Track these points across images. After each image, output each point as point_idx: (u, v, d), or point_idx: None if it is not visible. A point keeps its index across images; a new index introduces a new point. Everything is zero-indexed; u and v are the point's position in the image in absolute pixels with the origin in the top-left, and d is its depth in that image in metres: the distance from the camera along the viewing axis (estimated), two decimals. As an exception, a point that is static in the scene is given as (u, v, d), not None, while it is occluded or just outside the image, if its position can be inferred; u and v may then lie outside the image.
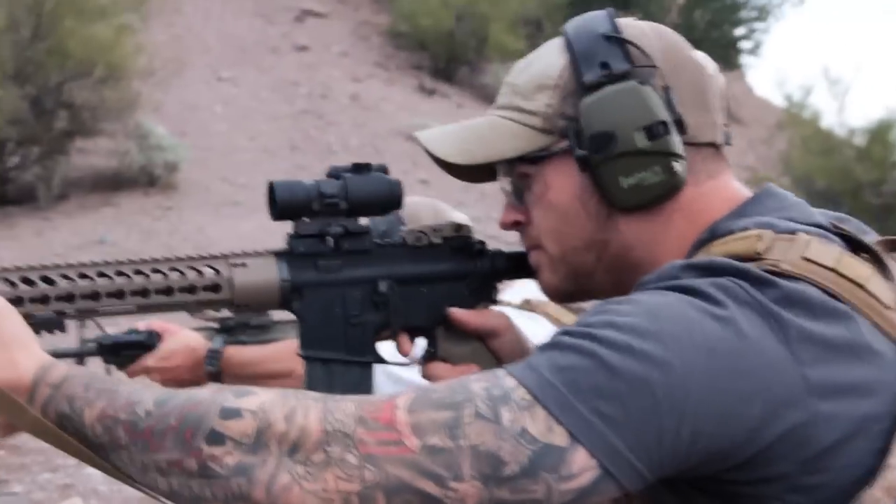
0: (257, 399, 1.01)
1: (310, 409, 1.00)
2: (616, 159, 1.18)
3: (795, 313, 1.04)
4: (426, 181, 14.26)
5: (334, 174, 1.34)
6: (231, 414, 0.99)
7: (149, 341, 2.29)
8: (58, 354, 2.29)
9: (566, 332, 1.04)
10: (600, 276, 1.26)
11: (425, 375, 1.40)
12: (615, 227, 1.22)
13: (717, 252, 1.12)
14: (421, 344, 1.41)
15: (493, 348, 1.40)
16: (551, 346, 1.04)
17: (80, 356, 2.29)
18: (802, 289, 1.06)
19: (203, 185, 12.70)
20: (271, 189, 1.28)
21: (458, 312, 1.37)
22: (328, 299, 1.31)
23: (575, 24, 1.27)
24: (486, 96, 16.88)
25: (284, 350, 2.24)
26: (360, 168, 1.34)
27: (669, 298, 1.05)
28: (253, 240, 11.53)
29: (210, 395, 1.02)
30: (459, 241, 1.39)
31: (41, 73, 11.95)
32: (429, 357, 1.40)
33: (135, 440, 1.01)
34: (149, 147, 12.37)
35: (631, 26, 1.24)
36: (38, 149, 12.49)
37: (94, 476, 5.27)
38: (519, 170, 1.27)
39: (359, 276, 1.33)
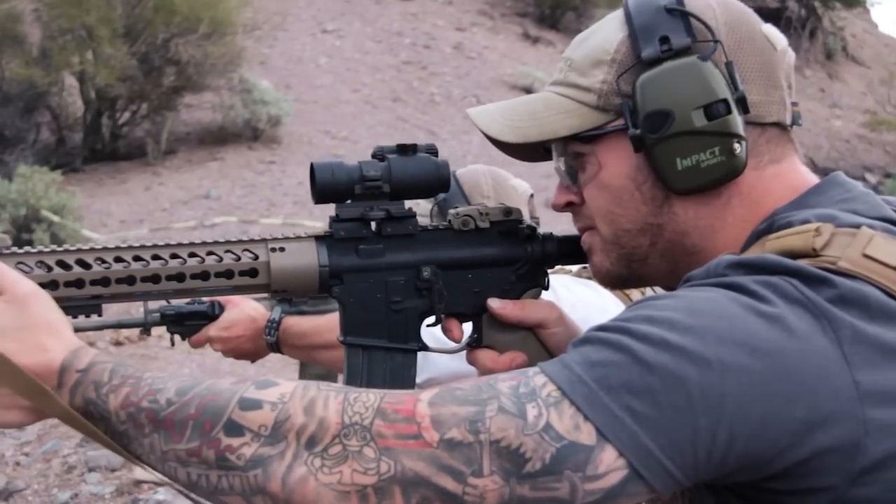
0: (278, 390, 1.00)
1: (329, 401, 0.98)
2: (672, 139, 1.11)
3: (850, 313, 0.97)
4: (529, 131, 14.15)
5: (379, 155, 1.29)
6: (250, 405, 0.98)
7: (211, 311, 2.29)
8: (123, 325, 2.38)
9: (601, 328, 0.99)
10: (654, 261, 1.19)
11: (470, 362, 1.36)
12: (671, 211, 1.15)
13: (772, 247, 1.05)
14: (467, 329, 1.36)
15: (541, 338, 1.34)
16: (584, 341, 0.99)
17: (144, 326, 2.34)
18: (860, 288, 0.98)
19: (305, 138, 12.86)
20: (312, 171, 1.25)
21: (498, 305, 1.31)
22: (369, 285, 1.27)
23: None
24: (592, 43, 16.59)
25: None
26: (405, 149, 1.28)
27: (713, 294, 0.99)
28: (352, 193, 11.64)
29: (232, 386, 1.01)
30: (508, 226, 1.33)
31: (149, 30, 12.24)
32: (474, 344, 1.34)
33: (156, 428, 1.00)
34: (252, 101, 12.59)
35: None
36: (146, 105, 12.87)
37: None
38: (573, 149, 1.20)
39: (401, 261, 1.28)
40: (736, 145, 1.11)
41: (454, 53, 15.49)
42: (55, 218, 10.46)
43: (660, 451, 0.92)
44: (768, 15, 19.15)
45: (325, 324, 2.24)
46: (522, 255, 1.33)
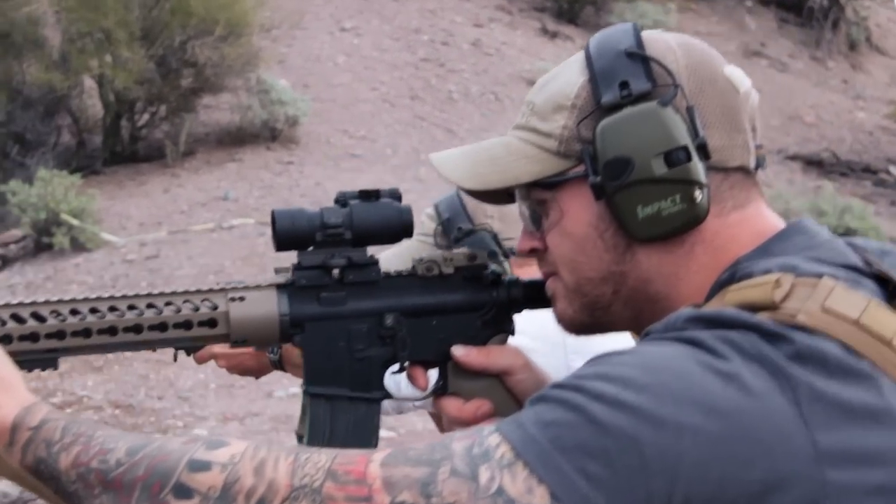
0: (229, 451, 0.99)
1: (280, 462, 0.98)
2: (632, 187, 1.10)
3: (809, 371, 0.95)
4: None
5: (341, 201, 1.28)
6: (199, 466, 0.98)
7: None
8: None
9: (557, 385, 0.99)
10: (618, 308, 1.17)
11: (436, 410, 1.35)
12: (633, 259, 1.14)
13: (731, 300, 1.04)
14: (433, 376, 1.35)
15: (508, 385, 1.32)
16: (540, 399, 0.98)
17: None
18: (819, 344, 0.97)
19: (323, 137, 12.88)
20: (273, 218, 1.26)
21: (462, 352, 1.30)
22: (331, 333, 1.27)
23: (598, 38, 1.18)
24: (611, 37, 16.51)
25: None
26: (367, 195, 1.28)
27: (670, 350, 0.98)
28: (369, 194, 11.66)
29: (182, 446, 1.01)
30: (473, 271, 1.32)
31: (166, 32, 12.29)
32: (440, 391, 1.33)
33: (105, 489, 1.00)
34: (270, 102, 12.61)
35: (656, 41, 1.15)
36: (165, 107, 12.93)
37: (199, 438, 5.48)
38: (535, 195, 1.19)
39: (364, 308, 1.28)
40: (697, 193, 1.09)
41: (472, 50, 15.46)
42: (75, 221, 10.55)
43: None
44: (790, 6, 19.05)
45: None
46: (488, 301, 1.32)
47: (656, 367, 0.96)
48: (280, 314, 1.24)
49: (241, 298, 1.23)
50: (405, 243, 2.45)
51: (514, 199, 1.26)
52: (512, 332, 1.35)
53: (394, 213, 1.28)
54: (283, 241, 1.25)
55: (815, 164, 15.35)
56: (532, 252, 1.24)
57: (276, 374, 2.31)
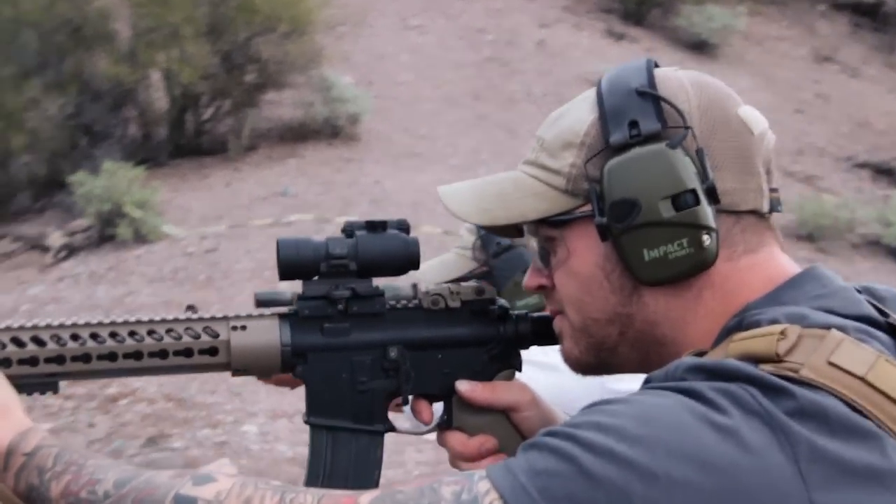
0: (215, 488, 1.00)
1: (265, 501, 0.98)
2: (638, 230, 1.09)
3: (809, 428, 0.93)
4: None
5: (348, 231, 1.29)
6: (186, 502, 0.99)
7: None
8: None
9: (550, 433, 0.98)
10: (624, 350, 1.16)
11: (440, 444, 1.34)
12: (640, 301, 1.13)
13: (735, 349, 1.02)
14: (438, 409, 1.34)
15: (513, 421, 1.31)
16: (532, 446, 0.98)
17: None
18: (821, 401, 0.95)
19: (384, 135, 12.92)
20: (277, 247, 1.26)
21: (467, 388, 1.28)
22: (334, 365, 1.26)
23: (610, 75, 1.17)
24: (678, 40, 16.34)
25: None
26: (374, 226, 1.28)
27: (667, 400, 0.97)
28: (427, 193, 11.69)
29: (170, 480, 1.01)
30: (480, 305, 1.31)
31: (231, 29, 12.43)
32: (444, 426, 1.32)
33: None
34: (332, 99, 12.68)
35: (669, 79, 1.13)
36: (229, 102, 13.06)
37: (248, 435, 5.53)
38: (543, 232, 1.19)
39: (368, 340, 1.27)
40: (705, 237, 1.07)
41: (536, 50, 15.39)
42: (138, 213, 10.72)
43: None
44: (865, 10, 18.67)
45: None
46: (494, 336, 1.30)
47: (651, 417, 0.94)
48: (282, 344, 1.23)
49: (243, 328, 1.22)
50: (446, 255, 2.44)
51: (523, 233, 1.24)
52: (519, 368, 1.33)
53: (400, 244, 1.27)
54: (286, 270, 1.25)
55: (884, 172, 15.01)
56: (540, 289, 1.23)
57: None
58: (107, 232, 10.89)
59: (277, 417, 5.91)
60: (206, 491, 0.99)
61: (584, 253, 1.14)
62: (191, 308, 2.33)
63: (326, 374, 1.26)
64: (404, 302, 1.30)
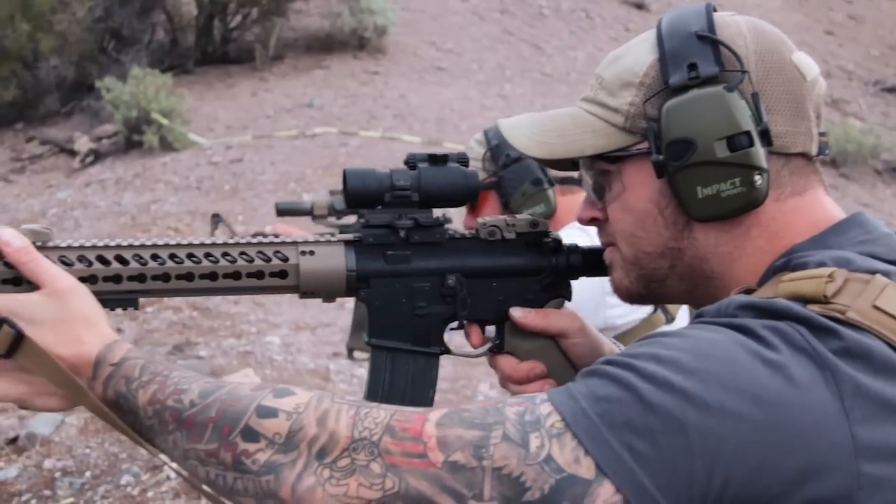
0: (294, 400, 1.04)
1: (342, 414, 1.02)
2: (693, 168, 1.13)
3: (854, 367, 0.97)
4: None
5: (410, 163, 1.33)
6: (267, 413, 1.03)
7: None
8: None
9: (609, 362, 1.01)
10: (673, 283, 1.21)
11: (491, 367, 1.39)
12: (691, 236, 1.17)
13: (784, 290, 1.06)
14: (490, 333, 1.39)
15: (562, 347, 1.35)
16: (592, 373, 1.01)
17: None
18: (866, 342, 0.99)
19: (411, 49, 12.86)
20: (344, 177, 1.30)
21: (520, 314, 1.34)
22: (395, 290, 1.31)
23: (670, 17, 1.20)
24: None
25: None
26: (436, 159, 1.33)
27: (721, 336, 1.01)
28: (451, 109, 11.68)
29: (252, 392, 1.05)
30: (534, 237, 1.36)
31: (261, -67, 12.32)
32: (495, 350, 1.37)
33: (179, 427, 1.06)
34: (360, 10, 12.60)
35: (728, 24, 1.17)
36: (256, 10, 13.00)
37: (271, 346, 5.68)
38: (599, 166, 1.22)
39: (427, 267, 1.32)
40: (757, 177, 1.12)
41: (566, -36, 15.17)
42: (164, 121, 10.78)
43: (656, 489, 0.94)
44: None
45: None
46: (547, 266, 1.36)
47: (706, 352, 0.98)
48: (347, 269, 1.29)
49: (311, 252, 1.28)
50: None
51: (577, 166, 1.30)
52: (569, 298, 1.39)
53: (460, 177, 1.32)
54: (353, 199, 1.31)
55: (913, 98, 14.85)
56: (593, 221, 1.28)
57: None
58: (133, 138, 10.98)
59: (300, 329, 6.06)
60: (286, 403, 1.03)
61: (639, 188, 1.18)
62: (216, 217, 2.40)
63: (388, 299, 1.31)
64: (462, 232, 1.36)
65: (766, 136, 1.12)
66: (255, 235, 2.42)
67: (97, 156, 11.15)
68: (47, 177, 10.82)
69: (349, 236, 1.31)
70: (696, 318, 1.08)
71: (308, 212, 2.57)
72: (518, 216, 1.37)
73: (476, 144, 2.43)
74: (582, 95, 1.26)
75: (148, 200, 9.22)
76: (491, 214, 2.30)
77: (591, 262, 1.36)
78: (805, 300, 1.03)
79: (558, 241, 1.37)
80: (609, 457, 0.95)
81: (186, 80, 12.21)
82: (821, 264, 1.06)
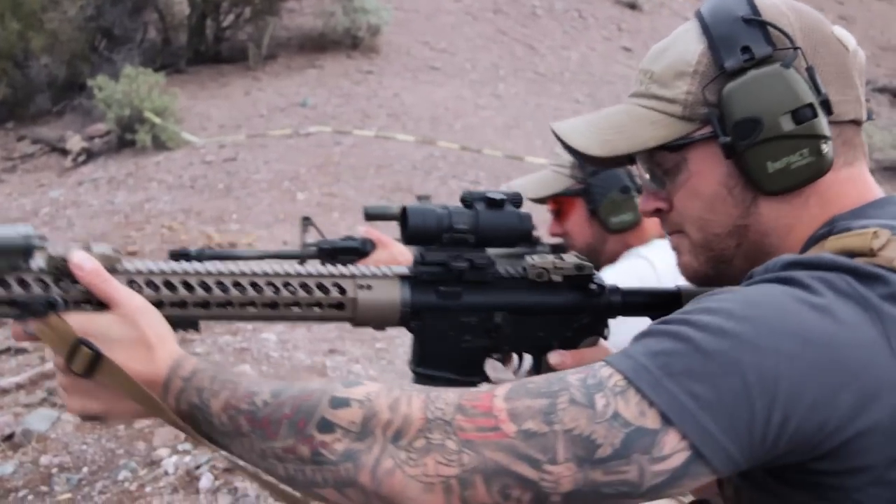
0: (364, 389, 1.07)
1: (413, 399, 1.05)
2: (762, 144, 1.17)
3: None
4: (629, 49, 13.88)
5: (468, 202, 1.39)
6: (340, 403, 1.05)
7: (363, 248, 2.42)
8: (282, 255, 2.53)
9: (663, 321, 1.06)
10: (738, 262, 1.25)
11: None
12: (757, 212, 1.22)
13: (831, 246, 1.12)
14: (528, 361, 1.46)
15: None
16: (647, 333, 1.05)
17: (301, 258, 2.45)
18: None
19: (404, 48, 12.85)
20: (404, 214, 1.36)
21: (557, 359, 1.40)
22: (444, 323, 1.37)
23: (710, 6, 1.24)
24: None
25: None
26: (493, 203, 1.38)
27: (768, 288, 1.05)
28: (445, 108, 11.68)
29: (321, 386, 1.09)
30: (579, 280, 1.42)
31: (253, -67, 12.30)
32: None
33: (254, 428, 1.09)
34: (353, 9, 12.60)
35: (769, 7, 1.21)
36: (249, 9, 12.99)
37: (267, 342, 5.65)
38: (659, 158, 1.26)
39: (476, 304, 1.38)
40: (824, 146, 1.17)
41: (559, -36, 15.18)
42: (157, 120, 10.75)
43: (720, 432, 0.97)
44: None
45: None
46: (588, 306, 1.42)
47: (756, 301, 1.03)
48: (402, 303, 1.33)
49: (369, 287, 1.32)
50: (543, 172, 2.48)
51: (631, 161, 1.32)
52: (605, 336, 1.44)
53: (515, 220, 1.38)
54: (413, 236, 1.36)
55: (904, 98, 14.91)
56: (656, 212, 1.31)
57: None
58: (126, 137, 10.94)
59: (296, 327, 6.03)
60: (357, 392, 1.07)
61: (707, 172, 1.22)
62: (306, 220, 2.40)
63: (437, 331, 1.37)
64: (511, 272, 1.40)
65: (826, 106, 1.17)
66: (345, 239, 2.41)
67: (89, 155, 11.11)
68: (39, 176, 10.78)
69: (404, 270, 1.35)
70: (747, 279, 1.11)
71: (395, 217, 2.58)
72: (566, 259, 1.42)
73: (562, 151, 2.41)
74: (631, 91, 1.28)
75: (141, 199, 9.18)
76: (578, 221, 2.38)
77: (631, 302, 1.43)
78: (852, 254, 1.07)
79: (602, 286, 1.43)
80: (672, 405, 0.98)
81: (179, 79, 12.18)
82: (864, 227, 1.11)
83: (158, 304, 1.22)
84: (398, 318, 1.34)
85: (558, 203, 2.40)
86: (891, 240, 1.07)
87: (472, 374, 1.39)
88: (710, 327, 1.00)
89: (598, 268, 2.38)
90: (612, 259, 2.36)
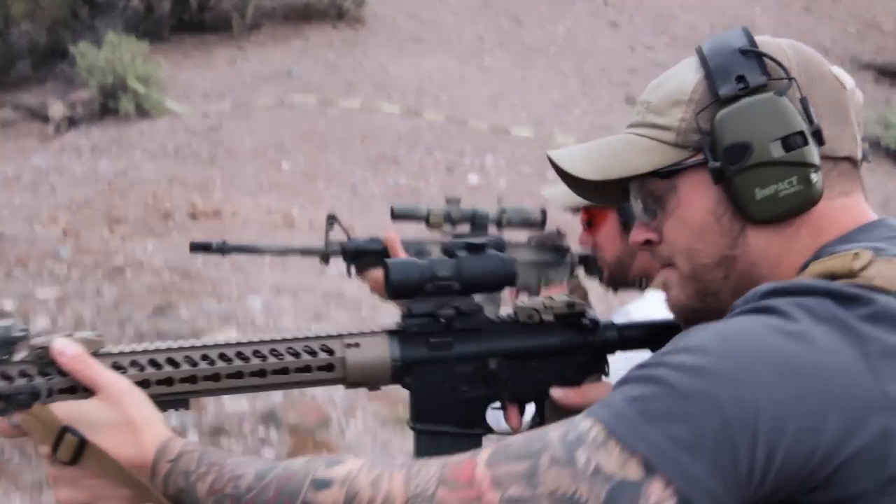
0: (346, 468, 1.08)
1: (394, 475, 1.05)
2: (751, 170, 1.16)
3: (881, 329, 1.01)
4: (616, 24, 13.86)
5: (449, 251, 1.38)
6: (322, 484, 1.07)
7: (386, 252, 2.39)
8: (306, 252, 2.52)
9: (640, 366, 1.04)
10: (726, 295, 1.22)
11: None
12: (745, 242, 1.20)
13: (812, 272, 1.10)
14: (530, 411, 1.43)
15: None
16: (626, 380, 1.04)
17: (325, 256, 2.45)
18: (892, 304, 1.03)
19: (389, 19, 12.79)
20: (385, 269, 1.34)
21: (560, 393, 1.37)
22: (438, 375, 1.35)
23: (710, 41, 1.25)
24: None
25: None
26: (474, 248, 1.37)
27: (743, 320, 1.05)
28: (430, 79, 11.64)
29: (304, 466, 1.10)
30: (572, 318, 1.39)
31: None
32: (536, 426, 1.32)
33: None
34: (338, -21, 12.52)
35: (767, 42, 1.21)
36: (234, -23, 12.86)
37: (252, 308, 5.65)
38: (651, 186, 1.25)
39: (469, 352, 1.35)
40: (813, 175, 1.15)
41: (546, -63, 15.11)
42: (140, 88, 10.67)
43: (705, 474, 0.95)
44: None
45: None
46: (584, 345, 1.40)
47: (730, 334, 1.02)
48: (392, 359, 1.32)
49: (357, 345, 1.31)
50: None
51: (627, 195, 1.31)
52: (607, 373, 1.41)
53: (499, 263, 1.37)
54: (396, 291, 1.34)
55: (888, 74, 14.95)
56: (646, 244, 1.29)
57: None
58: (109, 105, 10.86)
59: (281, 293, 6.03)
60: (339, 471, 1.07)
61: (696, 200, 1.21)
62: (331, 218, 2.38)
63: (432, 384, 1.34)
64: (502, 316, 1.38)
65: (818, 136, 1.15)
66: (369, 240, 2.38)
67: (72, 122, 11.03)
68: (21, 143, 10.69)
69: (392, 326, 1.34)
70: (729, 313, 1.10)
71: (424, 217, 2.56)
72: (556, 298, 1.40)
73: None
74: (629, 122, 1.28)
75: (125, 167, 9.13)
76: (609, 234, 2.34)
77: (628, 337, 1.41)
78: (833, 276, 1.07)
79: (595, 322, 1.40)
80: (653, 451, 0.96)
81: (162, 47, 12.08)
82: (848, 250, 1.10)
83: (144, 384, 1.22)
84: (390, 374, 1.32)
85: (590, 214, 2.37)
86: (873, 260, 1.07)
87: (473, 426, 1.36)
88: (686, 367, 0.99)
89: (626, 283, 2.37)
90: (641, 275, 2.32)
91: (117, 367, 1.22)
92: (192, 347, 1.26)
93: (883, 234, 1.15)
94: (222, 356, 1.26)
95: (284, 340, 1.30)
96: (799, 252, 1.18)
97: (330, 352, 1.30)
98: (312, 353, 1.29)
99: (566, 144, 9.75)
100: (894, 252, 1.09)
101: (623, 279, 2.37)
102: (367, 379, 1.32)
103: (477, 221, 2.51)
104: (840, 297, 1.03)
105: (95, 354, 1.20)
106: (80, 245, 6.49)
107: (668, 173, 1.22)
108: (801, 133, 1.15)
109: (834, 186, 1.18)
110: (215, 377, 1.26)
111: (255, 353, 1.27)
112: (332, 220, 2.43)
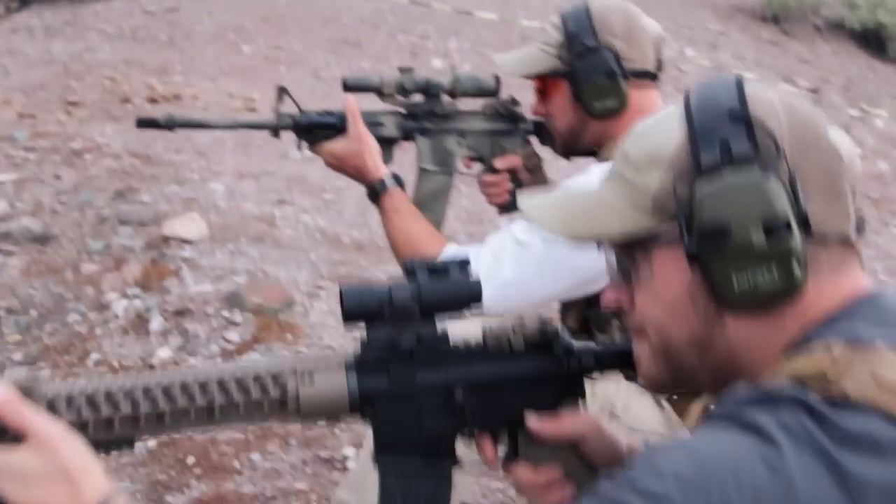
0: None
1: None
2: (728, 255, 1.07)
3: (859, 455, 0.95)
4: None
5: (410, 270, 1.28)
6: None
7: (340, 125, 2.30)
8: (255, 126, 2.40)
9: (610, 484, 0.99)
10: (703, 375, 1.17)
11: (506, 475, 1.35)
12: (722, 326, 1.12)
13: (786, 371, 1.04)
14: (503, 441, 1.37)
15: (579, 452, 1.33)
16: (592, 494, 0.99)
17: (275, 129, 2.34)
18: (869, 426, 0.97)
19: None
20: (341, 295, 1.26)
21: (535, 425, 1.31)
22: (401, 408, 1.27)
23: (700, 92, 1.15)
24: None
25: None
26: (435, 270, 1.28)
27: (725, 440, 0.99)
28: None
29: None
30: (545, 345, 1.32)
31: None
32: (510, 457, 1.34)
33: None
34: None
35: (760, 100, 1.11)
36: None
37: (215, 193, 5.60)
38: (625, 250, 1.18)
39: (433, 382, 1.28)
40: (794, 264, 1.07)
41: None
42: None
43: None
44: None
45: (420, 232, 2.26)
46: (559, 372, 1.32)
47: (708, 457, 0.97)
48: (349, 392, 1.25)
49: (311, 379, 1.24)
50: (528, 49, 2.39)
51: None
52: (583, 397, 1.35)
53: (462, 287, 1.28)
54: (351, 316, 1.26)
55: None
56: (619, 307, 1.23)
57: (291, 136, 2.36)
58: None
59: (244, 178, 5.97)
60: None
61: (669, 275, 1.14)
62: (282, 90, 2.28)
63: (394, 417, 1.27)
64: (469, 343, 1.31)
65: (804, 222, 1.07)
66: (322, 113, 2.29)
67: (23, 2, 10.70)
68: (-29, 24, 10.38)
69: (349, 357, 1.27)
70: (707, 416, 1.06)
71: (376, 88, 2.46)
72: (526, 321, 1.32)
73: (553, 29, 2.30)
74: (606, 171, 1.22)
75: (80, 49, 8.91)
76: (561, 103, 2.28)
77: (605, 362, 1.34)
78: (804, 380, 1.01)
79: (570, 346, 1.33)
80: None
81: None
82: (826, 342, 1.05)
83: (83, 427, 1.14)
84: (348, 407, 1.25)
85: (543, 83, 2.33)
86: (851, 359, 1.01)
87: (440, 459, 1.29)
88: (656, 495, 0.94)
89: (579, 152, 2.34)
90: (593, 145, 2.30)
91: (52, 409, 1.14)
92: (134, 386, 1.18)
93: (871, 317, 1.08)
94: (166, 393, 1.19)
95: (235, 376, 1.23)
96: (783, 337, 1.11)
97: (283, 387, 1.23)
98: (264, 389, 1.23)
99: (530, 28, 9.62)
100: (867, 335, 1.04)
101: (576, 148, 2.35)
102: (324, 412, 1.26)
103: (430, 91, 2.44)
104: (815, 415, 0.97)
105: (28, 395, 1.11)
106: (37, 128, 6.37)
107: (640, 242, 1.15)
108: (785, 219, 1.06)
109: (822, 270, 1.10)
110: (159, 417, 1.19)
111: (202, 388, 1.20)
112: (282, 92, 2.34)
